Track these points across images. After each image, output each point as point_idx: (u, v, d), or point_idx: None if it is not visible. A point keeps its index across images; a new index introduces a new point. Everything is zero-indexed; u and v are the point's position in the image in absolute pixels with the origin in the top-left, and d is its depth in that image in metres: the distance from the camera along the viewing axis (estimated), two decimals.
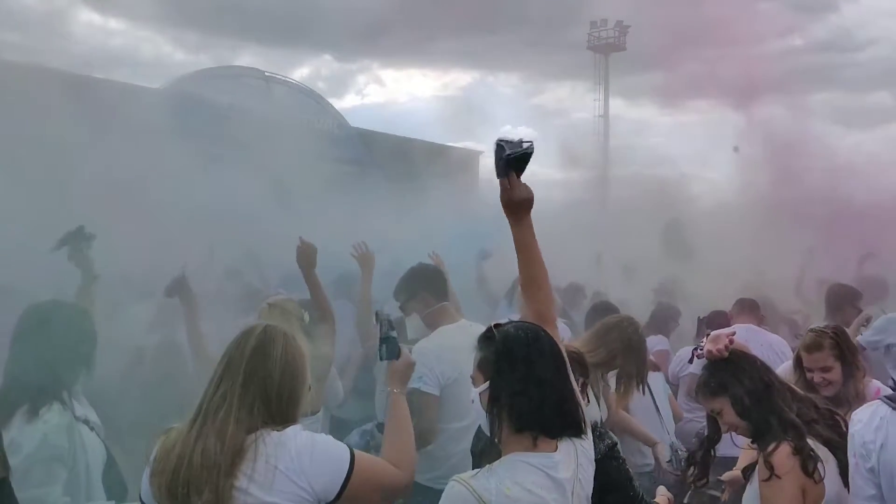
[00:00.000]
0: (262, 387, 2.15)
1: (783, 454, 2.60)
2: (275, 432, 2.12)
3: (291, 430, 2.14)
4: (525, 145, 2.33)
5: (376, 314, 2.75)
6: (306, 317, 3.74)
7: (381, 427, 4.67)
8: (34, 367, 2.79)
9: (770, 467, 2.60)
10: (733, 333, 3.04)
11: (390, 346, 2.62)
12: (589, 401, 3.12)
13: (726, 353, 2.91)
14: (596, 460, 2.42)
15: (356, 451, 2.23)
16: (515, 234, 2.46)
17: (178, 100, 14.88)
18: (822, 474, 2.57)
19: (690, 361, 4.68)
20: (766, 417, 2.73)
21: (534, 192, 2.42)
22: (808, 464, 2.56)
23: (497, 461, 2.13)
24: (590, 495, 2.25)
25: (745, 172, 11.80)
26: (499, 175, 2.37)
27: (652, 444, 4.29)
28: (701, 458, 3.02)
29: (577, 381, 2.73)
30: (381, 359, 2.66)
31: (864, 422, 2.30)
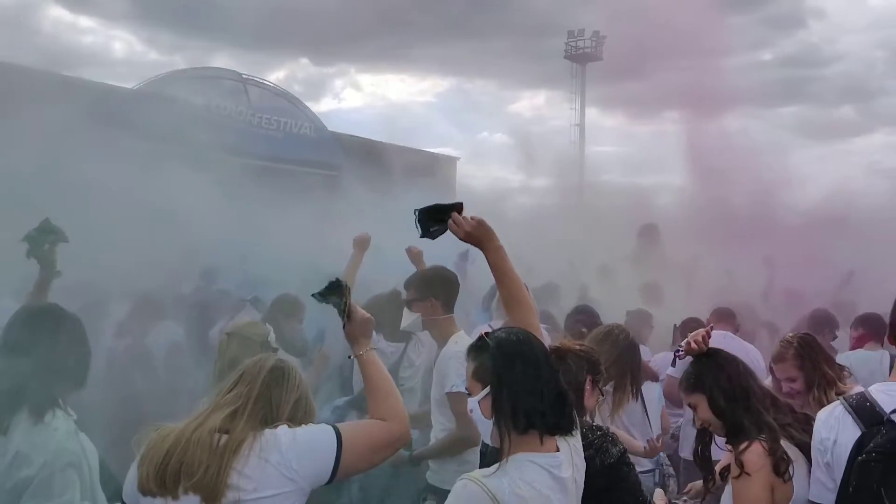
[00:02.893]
0: (274, 404, 2.29)
1: (754, 453, 2.68)
2: (268, 430, 2.24)
3: (281, 428, 2.25)
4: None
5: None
6: (272, 337, 3.53)
7: (352, 402, 4.67)
8: (32, 372, 2.71)
9: (741, 464, 2.68)
10: (711, 327, 3.16)
11: (340, 311, 2.57)
12: (603, 395, 3.19)
13: (704, 346, 2.99)
14: (609, 465, 2.62)
15: (341, 428, 2.31)
16: (488, 259, 2.66)
17: (154, 100, 14.78)
18: (791, 474, 2.65)
19: (673, 364, 4.73)
20: (740, 419, 2.81)
21: (482, 217, 2.64)
22: (780, 465, 2.65)
23: (506, 461, 2.19)
24: (581, 494, 2.32)
25: (713, 182, 11.97)
26: (428, 235, 2.61)
27: (641, 455, 4.16)
28: (702, 456, 3.06)
29: (586, 378, 2.92)
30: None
31: (823, 420, 2.42)
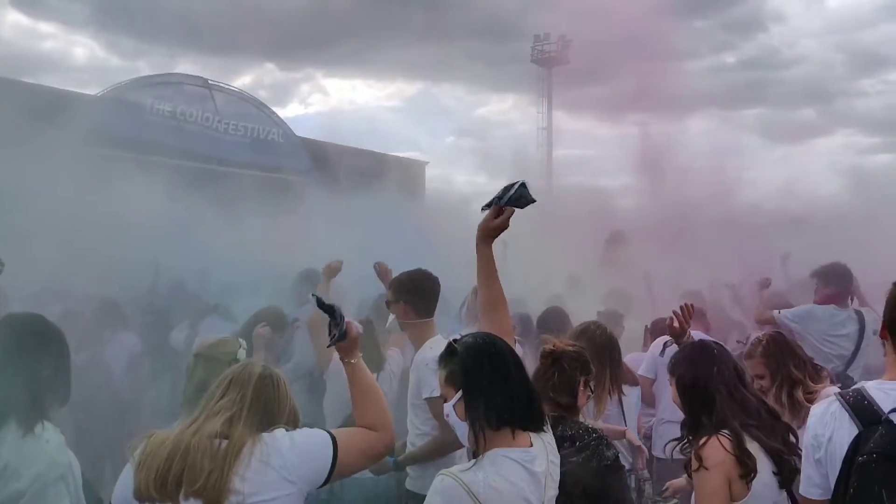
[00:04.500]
0: (269, 409, 2.35)
1: (712, 447, 2.76)
2: (266, 434, 2.29)
3: (279, 432, 2.32)
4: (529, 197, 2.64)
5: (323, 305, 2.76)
6: (242, 353, 3.40)
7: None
8: (22, 383, 2.65)
9: (699, 458, 2.76)
10: (692, 305, 3.38)
11: (341, 333, 2.69)
12: (592, 392, 3.28)
13: (686, 324, 3.23)
14: (604, 467, 2.81)
15: (336, 434, 2.41)
16: (484, 257, 2.74)
17: (119, 107, 14.56)
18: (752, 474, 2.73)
19: (661, 353, 4.77)
20: (698, 416, 2.91)
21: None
22: (744, 467, 2.71)
23: (482, 457, 2.32)
24: (557, 491, 2.43)
25: (676, 184, 12.13)
26: (502, 204, 2.65)
27: (621, 437, 4.19)
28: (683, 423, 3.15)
29: (579, 380, 3.03)
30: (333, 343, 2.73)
31: (817, 416, 2.40)
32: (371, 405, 2.56)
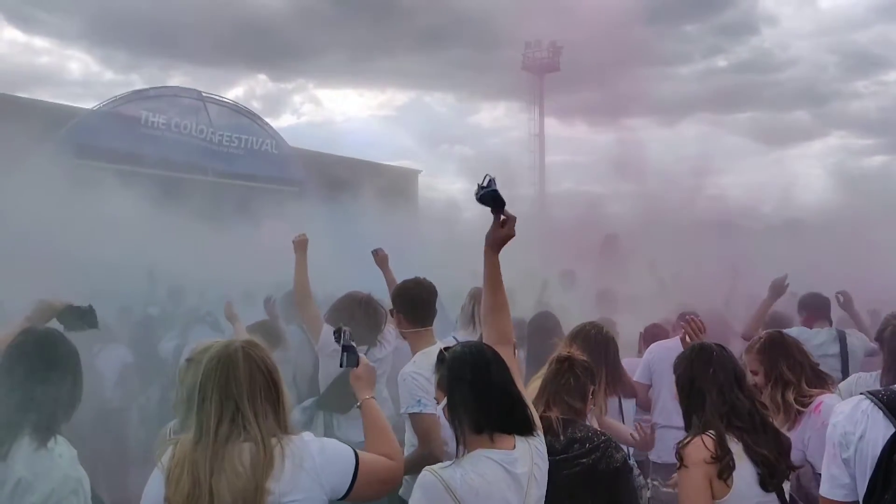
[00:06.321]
0: (272, 399, 2.38)
1: (693, 447, 2.81)
2: (294, 436, 2.36)
3: (307, 435, 2.41)
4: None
5: (336, 330, 3.01)
6: None
7: (319, 403, 4.74)
8: (38, 397, 2.66)
9: (680, 457, 2.82)
10: (699, 318, 3.55)
11: (350, 355, 2.91)
12: (594, 406, 3.38)
13: (696, 333, 3.43)
14: (613, 469, 2.93)
15: (359, 452, 2.49)
16: (491, 265, 2.82)
17: (115, 120, 14.57)
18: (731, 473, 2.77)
19: None
20: (691, 414, 2.97)
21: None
22: (723, 471, 2.75)
23: (464, 456, 2.48)
24: (543, 493, 2.54)
25: (669, 188, 12.18)
26: (496, 205, 2.69)
27: (628, 441, 4.07)
28: None
29: (590, 388, 3.20)
30: (341, 366, 2.92)
31: (846, 414, 2.34)
32: (385, 438, 2.67)
